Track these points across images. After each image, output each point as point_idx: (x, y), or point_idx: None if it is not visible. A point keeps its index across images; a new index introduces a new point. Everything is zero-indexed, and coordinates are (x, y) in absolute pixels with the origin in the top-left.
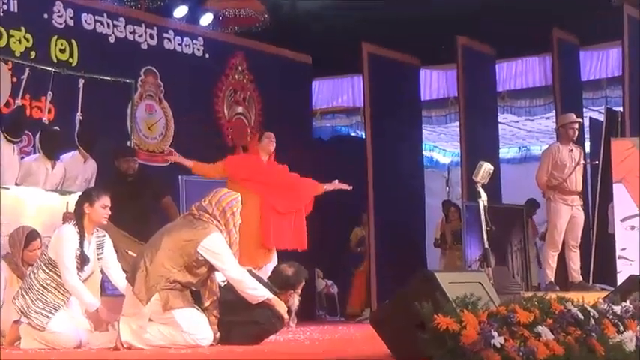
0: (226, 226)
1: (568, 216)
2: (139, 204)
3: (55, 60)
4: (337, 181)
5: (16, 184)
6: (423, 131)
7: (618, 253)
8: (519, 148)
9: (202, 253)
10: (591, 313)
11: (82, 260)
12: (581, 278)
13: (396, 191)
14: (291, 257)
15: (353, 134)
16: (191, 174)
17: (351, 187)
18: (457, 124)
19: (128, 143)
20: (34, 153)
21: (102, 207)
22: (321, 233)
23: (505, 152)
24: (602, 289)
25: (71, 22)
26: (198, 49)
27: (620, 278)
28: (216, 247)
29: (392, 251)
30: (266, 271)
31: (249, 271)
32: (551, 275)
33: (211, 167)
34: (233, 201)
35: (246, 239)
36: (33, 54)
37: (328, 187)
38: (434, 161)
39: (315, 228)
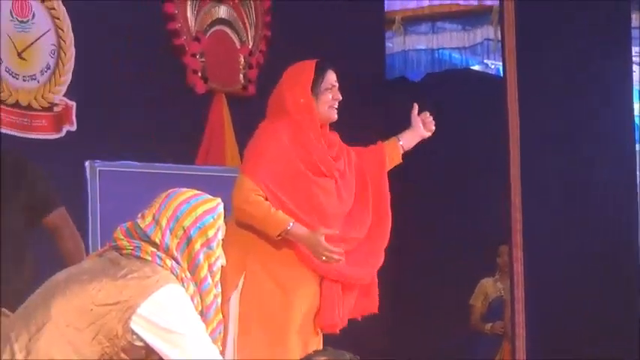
0: (194, 273)
1: None
2: None
3: None
4: (416, 110)
5: None
6: (636, 59)
7: None
8: None
9: (140, 331)
10: None
11: None
12: None
13: (577, 197)
14: (338, 343)
15: (476, 67)
16: (118, 158)
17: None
18: None
19: None
20: None
21: None
22: (402, 289)
23: None
24: None
25: None
26: None
27: None
28: (172, 319)
29: (566, 328)
30: None
31: None
32: None
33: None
34: (206, 215)
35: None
36: None
37: (406, 139)
38: None
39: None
